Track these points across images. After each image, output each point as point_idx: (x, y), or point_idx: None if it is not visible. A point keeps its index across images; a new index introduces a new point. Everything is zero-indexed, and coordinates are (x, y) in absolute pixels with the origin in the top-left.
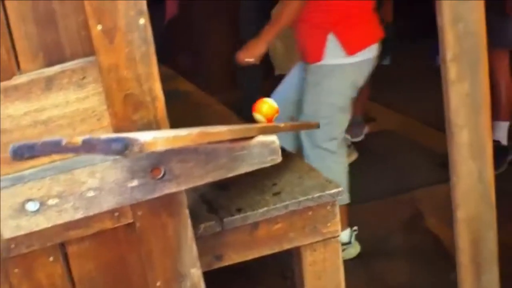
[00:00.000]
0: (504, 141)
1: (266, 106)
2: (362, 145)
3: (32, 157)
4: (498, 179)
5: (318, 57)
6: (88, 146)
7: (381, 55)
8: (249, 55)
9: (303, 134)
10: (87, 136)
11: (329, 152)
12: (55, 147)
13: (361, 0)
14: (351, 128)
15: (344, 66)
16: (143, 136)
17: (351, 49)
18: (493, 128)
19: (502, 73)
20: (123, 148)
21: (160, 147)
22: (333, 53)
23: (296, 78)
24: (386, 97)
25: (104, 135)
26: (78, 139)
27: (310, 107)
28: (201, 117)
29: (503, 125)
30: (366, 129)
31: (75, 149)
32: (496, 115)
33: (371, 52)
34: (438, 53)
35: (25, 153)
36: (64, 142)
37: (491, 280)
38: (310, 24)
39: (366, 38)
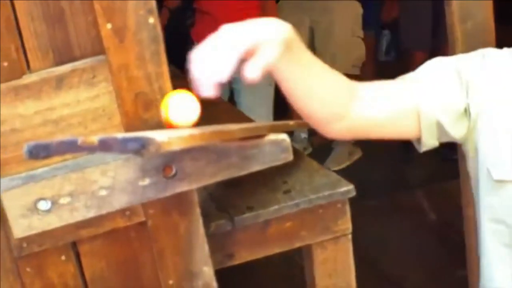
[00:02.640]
0: None
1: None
2: (366, 142)
3: (47, 156)
4: None
5: None
6: (104, 146)
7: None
8: None
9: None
10: (103, 136)
11: None
12: (70, 147)
13: None
14: None
15: None
16: (159, 136)
17: None
18: None
19: None
20: (140, 148)
21: (176, 147)
22: None
23: None
24: None
25: (120, 135)
26: (94, 139)
27: (267, 78)
28: (209, 115)
29: None
30: None
31: (91, 149)
32: None
33: None
34: None
35: (40, 152)
36: (79, 142)
37: None
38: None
39: None
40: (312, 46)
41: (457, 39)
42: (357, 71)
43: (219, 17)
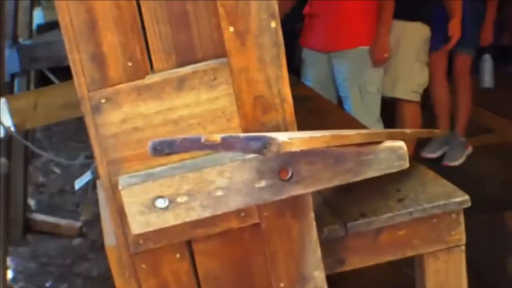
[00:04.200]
0: None
1: None
2: (483, 158)
3: (171, 153)
4: None
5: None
6: (227, 144)
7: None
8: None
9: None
10: (226, 134)
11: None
12: (194, 144)
13: None
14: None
15: None
16: (280, 136)
17: None
18: None
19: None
20: (262, 147)
21: (296, 148)
22: None
23: (324, 73)
24: (509, 108)
25: (243, 134)
26: (217, 137)
27: (374, 86)
28: (324, 122)
29: None
30: (469, 150)
31: (213, 147)
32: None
33: None
34: None
35: (165, 149)
36: (203, 139)
37: None
38: (364, 17)
39: None
40: None
41: None
42: (416, 98)
43: (330, 21)
